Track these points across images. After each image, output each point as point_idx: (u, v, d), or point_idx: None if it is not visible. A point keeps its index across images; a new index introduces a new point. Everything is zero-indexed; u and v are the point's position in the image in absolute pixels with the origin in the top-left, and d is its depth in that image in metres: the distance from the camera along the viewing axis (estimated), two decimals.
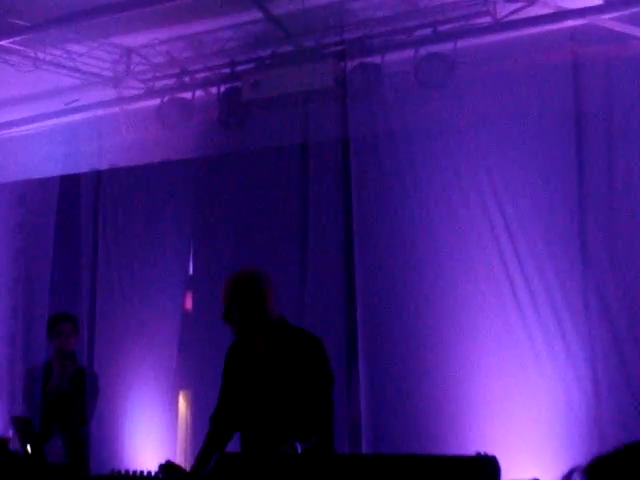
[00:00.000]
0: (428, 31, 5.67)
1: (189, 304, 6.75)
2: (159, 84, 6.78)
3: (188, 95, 6.74)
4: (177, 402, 6.62)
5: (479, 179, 5.36)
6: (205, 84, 6.65)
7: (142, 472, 3.41)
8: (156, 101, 6.73)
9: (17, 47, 6.29)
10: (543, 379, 5.07)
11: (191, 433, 6.55)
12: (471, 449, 3.01)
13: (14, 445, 4.29)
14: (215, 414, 3.79)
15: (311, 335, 3.67)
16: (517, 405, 5.06)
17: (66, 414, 5.46)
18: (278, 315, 3.70)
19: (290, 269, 5.83)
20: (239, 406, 3.73)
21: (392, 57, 5.78)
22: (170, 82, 6.76)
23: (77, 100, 6.79)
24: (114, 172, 6.83)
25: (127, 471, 3.44)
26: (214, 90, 6.65)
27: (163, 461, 3.53)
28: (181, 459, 6.36)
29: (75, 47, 6.37)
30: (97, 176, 6.87)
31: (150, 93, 6.80)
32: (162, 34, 6.27)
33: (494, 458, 2.75)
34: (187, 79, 6.73)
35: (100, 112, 6.87)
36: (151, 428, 6.39)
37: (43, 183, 7.13)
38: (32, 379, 5.67)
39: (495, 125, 5.40)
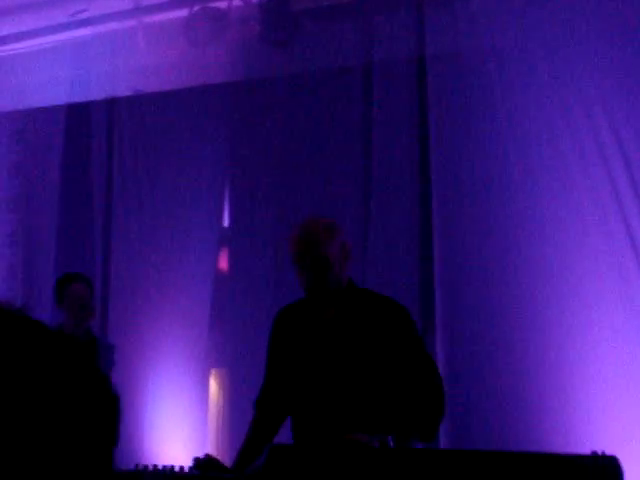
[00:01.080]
0: None
1: (224, 263, 6.75)
2: None
3: (223, 4, 6.63)
4: (208, 383, 6.64)
5: (590, 105, 5.04)
6: None
7: (173, 468, 3.41)
8: (183, 12, 6.53)
9: None
10: None
11: (225, 421, 6.55)
12: (583, 449, 2.97)
13: None
14: (261, 397, 3.67)
15: (399, 304, 3.57)
16: (631, 398, 4.91)
17: None
18: (346, 276, 3.70)
19: (350, 224, 5.76)
20: (294, 387, 3.58)
21: None
22: None
23: (85, 10, 6.76)
24: (132, 99, 6.67)
25: (156, 467, 3.44)
26: None
27: (199, 454, 3.53)
28: (213, 451, 6.41)
29: None
30: (111, 104, 6.74)
31: (176, 2, 6.64)
32: None
33: (615, 459, 2.76)
34: None
35: (114, 25, 6.79)
36: (177, 414, 6.35)
37: (46, 113, 7.01)
38: None
39: (611, 42, 5.17)
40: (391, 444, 3.25)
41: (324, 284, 3.53)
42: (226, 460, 3.84)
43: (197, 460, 3.44)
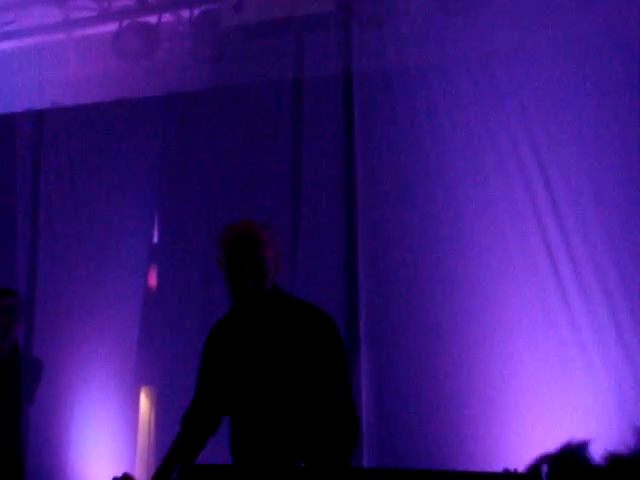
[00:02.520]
0: None
1: (153, 280, 6.70)
2: (116, 5, 6.66)
3: (153, 19, 6.64)
4: (138, 401, 6.59)
5: (512, 128, 5.25)
6: (174, 6, 6.57)
7: None
8: (112, 26, 6.63)
9: None
10: (590, 377, 4.99)
11: (155, 439, 6.52)
12: (498, 465, 2.98)
13: None
14: (188, 413, 3.68)
15: (322, 312, 3.57)
16: (558, 410, 4.96)
17: None
18: (273, 284, 3.66)
19: (279, 238, 5.77)
20: (220, 403, 3.66)
21: None
22: (130, 2, 6.64)
23: (12, 22, 6.70)
24: (58, 112, 6.70)
25: None
26: (185, 14, 6.55)
27: (119, 474, 3.49)
28: (141, 472, 6.34)
29: None
30: (37, 117, 6.74)
31: (105, 16, 6.69)
32: None
33: (526, 476, 2.76)
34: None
35: (42, 38, 6.78)
36: (105, 434, 6.35)
37: None
38: None
39: (534, 60, 5.30)
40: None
41: (259, 289, 3.49)
42: None
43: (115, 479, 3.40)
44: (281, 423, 3.47)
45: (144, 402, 6.68)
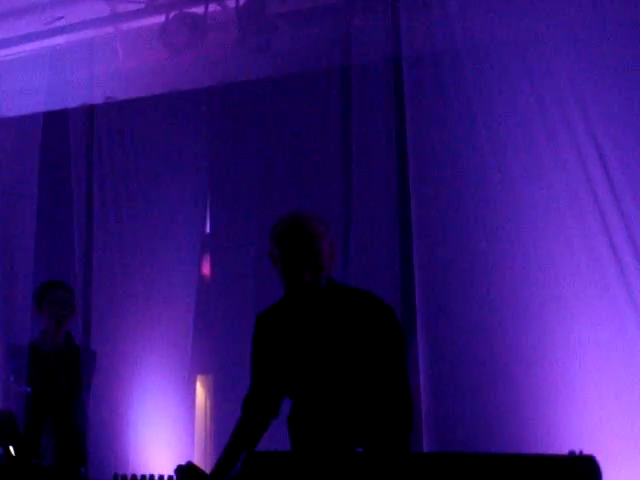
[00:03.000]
0: None
1: (207, 269, 6.75)
2: None
3: (199, 10, 6.64)
4: (194, 389, 6.65)
5: (570, 112, 5.18)
6: None
7: (153, 477, 3.41)
8: (160, 18, 6.65)
9: None
10: None
11: (212, 428, 6.58)
12: (562, 449, 2.98)
13: None
14: (249, 397, 3.70)
15: (381, 300, 3.58)
16: (619, 396, 4.94)
17: (57, 390, 5.56)
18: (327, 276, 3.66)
19: (331, 227, 5.77)
20: (279, 388, 3.67)
21: None
22: None
23: (62, 18, 6.75)
24: (109, 106, 6.75)
25: (135, 476, 3.45)
26: (231, 3, 6.56)
27: (181, 463, 3.52)
28: (199, 460, 6.40)
29: None
30: (89, 111, 6.79)
31: (152, 8, 6.68)
32: None
33: (592, 458, 2.76)
34: None
35: (91, 33, 6.81)
36: (162, 422, 6.40)
37: (22, 121, 7.04)
38: (17, 354, 5.76)
39: (587, 39, 5.22)
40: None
41: (316, 284, 3.49)
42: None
43: (179, 468, 3.43)
44: (340, 408, 3.49)
45: (200, 391, 6.74)
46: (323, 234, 3.53)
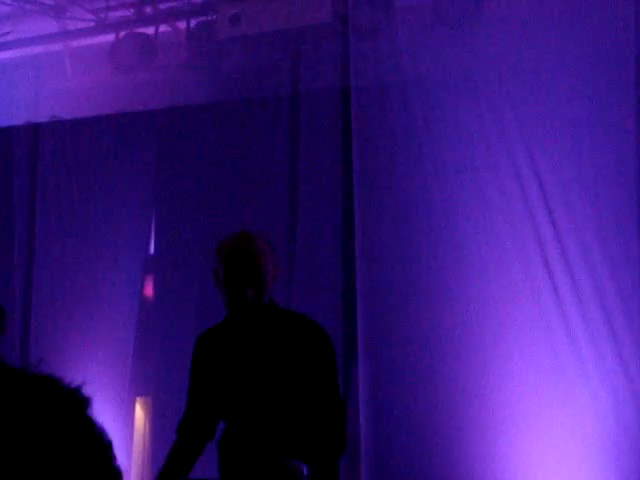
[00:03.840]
0: None
1: (149, 291, 6.72)
2: (113, 16, 6.63)
3: (150, 30, 6.65)
4: (133, 412, 6.60)
5: (511, 142, 5.26)
6: (171, 17, 6.57)
7: None
8: (109, 37, 6.63)
9: None
10: (589, 392, 4.99)
11: (150, 450, 6.53)
12: None
13: None
14: (183, 422, 3.67)
15: (317, 325, 3.59)
16: (556, 425, 4.98)
17: None
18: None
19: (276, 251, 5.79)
20: (214, 411, 3.65)
21: None
22: (127, 13, 6.63)
23: (8, 33, 6.71)
24: (56, 125, 6.69)
25: None
26: (182, 25, 6.57)
27: None
28: None
29: None
30: (34, 130, 6.73)
31: (102, 27, 6.66)
32: None
33: None
34: (149, 10, 6.61)
35: (38, 49, 6.78)
36: None
37: None
38: None
39: (532, 74, 5.28)
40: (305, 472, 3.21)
41: (258, 302, 3.50)
42: None
43: None
44: (271, 429, 3.49)
45: (139, 413, 6.68)
46: (267, 253, 3.55)
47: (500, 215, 5.29)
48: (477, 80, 5.40)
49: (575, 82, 5.20)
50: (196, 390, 3.71)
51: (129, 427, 6.48)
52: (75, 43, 6.79)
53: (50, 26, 6.73)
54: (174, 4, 6.53)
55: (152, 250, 6.70)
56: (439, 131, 5.45)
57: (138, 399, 6.65)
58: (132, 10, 6.64)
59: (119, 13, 6.66)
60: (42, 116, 6.73)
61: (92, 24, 6.72)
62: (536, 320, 5.16)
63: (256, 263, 3.49)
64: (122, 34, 6.56)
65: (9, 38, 6.69)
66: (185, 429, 3.68)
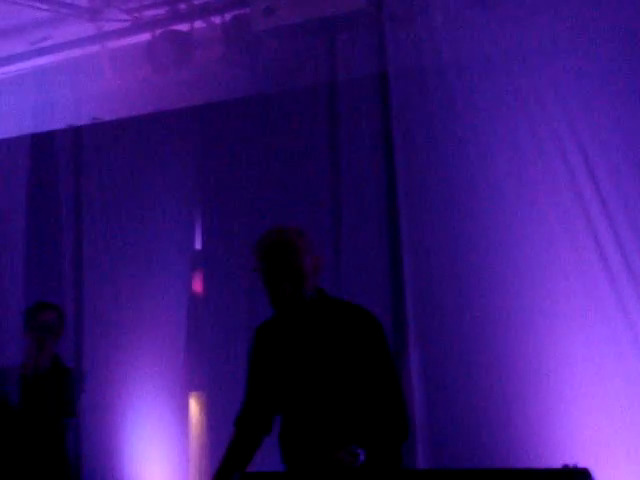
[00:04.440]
0: None
1: (198, 286, 6.76)
2: (148, 14, 6.67)
3: (185, 27, 6.68)
4: (188, 407, 6.64)
5: (557, 124, 5.17)
6: (205, 13, 6.58)
7: None
8: (146, 36, 6.66)
9: None
10: None
11: (207, 445, 6.57)
12: (556, 462, 3.00)
13: None
14: (241, 414, 3.68)
15: (369, 312, 3.58)
16: (612, 407, 4.93)
17: (43, 414, 5.56)
18: (316, 288, 3.68)
19: (321, 241, 5.79)
20: (272, 403, 3.66)
21: None
22: (162, 12, 6.65)
23: (46, 39, 6.77)
24: (97, 127, 6.74)
25: None
26: (217, 20, 6.59)
27: None
28: (194, 476, 6.41)
29: None
30: (76, 132, 6.77)
31: (137, 26, 6.69)
32: None
33: (587, 471, 2.78)
34: (183, 7, 6.60)
35: (76, 52, 6.81)
36: (156, 441, 6.37)
37: (9, 143, 7.02)
38: (9, 377, 5.74)
39: (576, 54, 5.23)
40: (361, 457, 3.21)
41: (298, 296, 3.52)
42: None
43: None
44: (331, 420, 3.50)
45: (194, 408, 6.73)
46: (303, 247, 3.55)
47: (548, 199, 5.20)
48: (517, 61, 5.35)
49: (616, 53, 5.13)
50: (254, 382, 3.72)
51: (185, 422, 6.53)
52: (112, 44, 6.83)
53: (87, 29, 6.77)
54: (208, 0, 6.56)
55: (199, 245, 6.75)
56: (480, 115, 5.40)
57: (192, 394, 6.70)
58: (166, 8, 6.66)
59: (153, 12, 6.68)
60: (83, 119, 6.78)
61: (127, 24, 6.74)
62: (590, 302, 5.08)
63: (291, 258, 3.49)
64: (158, 32, 6.59)
65: (47, 43, 6.75)
66: (243, 422, 3.70)
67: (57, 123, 6.83)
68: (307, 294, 3.54)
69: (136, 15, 6.71)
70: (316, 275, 3.58)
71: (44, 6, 6.58)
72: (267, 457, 3.73)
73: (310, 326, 3.58)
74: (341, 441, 3.33)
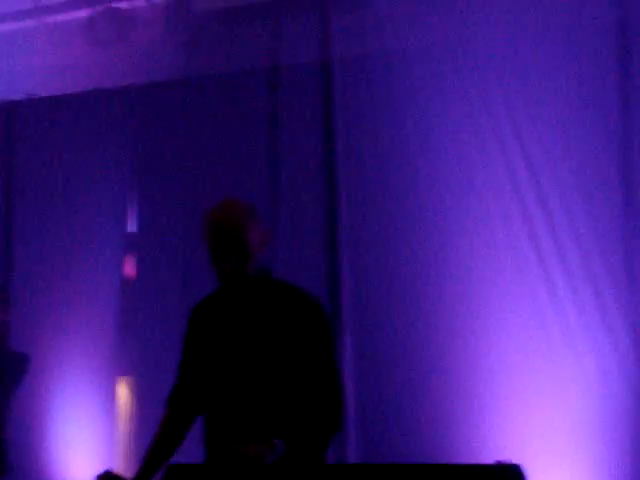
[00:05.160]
0: None
1: (130, 269, 6.69)
2: None
3: (125, 4, 6.60)
4: (116, 391, 6.59)
5: (497, 112, 5.19)
6: None
7: None
8: (85, 12, 6.57)
9: None
10: (577, 366, 4.95)
11: (135, 429, 6.52)
12: (487, 457, 2.99)
13: None
14: (172, 394, 3.54)
15: (313, 297, 3.47)
16: (544, 399, 4.95)
17: None
18: (261, 266, 3.63)
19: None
20: (205, 383, 3.63)
21: None
22: None
23: None
24: (31, 103, 6.60)
25: None
26: None
27: (100, 470, 3.47)
28: (122, 463, 6.33)
29: None
30: (9, 108, 6.65)
31: (77, 2, 6.64)
32: None
33: (518, 467, 2.77)
34: None
35: (12, 26, 6.71)
36: (83, 427, 6.33)
37: None
38: None
39: (517, 43, 5.24)
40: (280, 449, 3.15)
41: (244, 271, 3.47)
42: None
43: (98, 477, 3.37)
44: (257, 410, 3.45)
45: (122, 392, 6.67)
46: (249, 221, 3.50)
47: (487, 190, 5.23)
48: (461, 50, 5.37)
49: (559, 52, 5.18)
50: (187, 362, 3.64)
51: (113, 406, 6.47)
52: (50, 18, 6.71)
53: (24, 2, 6.65)
54: None
55: (134, 228, 6.67)
56: (422, 104, 5.42)
57: (121, 378, 6.63)
58: None
59: None
60: (17, 93, 6.66)
61: None
62: (524, 296, 5.10)
63: (237, 232, 3.44)
64: (98, 8, 6.49)
65: None
66: (174, 401, 3.61)
67: None
68: (251, 269, 3.49)
69: None
70: (261, 251, 3.52)
71: None
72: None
73: (250, 306, 3.52)
74: (261, 431, 3.28)
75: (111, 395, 6.44)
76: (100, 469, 3.44)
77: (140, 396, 6.38)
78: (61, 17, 6.67)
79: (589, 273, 5.04)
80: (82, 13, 6.58)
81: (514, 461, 2.84)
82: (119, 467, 6.06)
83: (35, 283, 6.53)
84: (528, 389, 5.02)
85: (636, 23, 5.15)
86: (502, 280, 5.18)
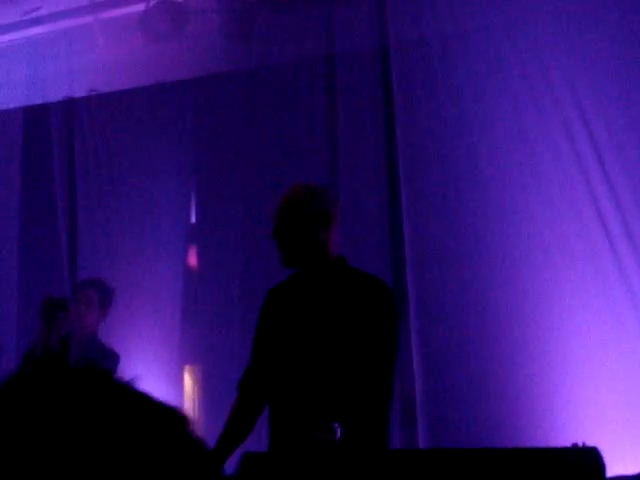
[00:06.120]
0: None
1: (193, 260, 6.75)
2: None
3: None
4: (182, 380, 6.65)
5: (559, 93, 5.12)
6: None
7: None
8: (139, 6, 6.56)
9: None
10: None
11: (200, 418, 6.57)
12: (562, 441, 3.00)
13: None
14: (245, 377, 3.62)
15: (386, 287, 3.53)
16: (619, 387, 4.90)
17: None
18: (338, 254, 3.65)
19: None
20: (274, 368, 3.56)
21: None
22: None
23: (39, 8, 6.70)
24: (91, 99, 6.61)
25: None
26: None
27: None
28: None
29: None
30: (70, 105, 6.68)
31: None
32: None
33: (596, 450, 2.78)
34: None
35: (69, 23, 6.73)
36: None
37: (2, 116, 6.91)
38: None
39: (575, 19, 5.16)
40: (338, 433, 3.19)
41: (292, 253, 3.49)
42: None
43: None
44: (314, 398, 3.41)
45: (188, 382, 6.72)
46: (303, 200, 3.54)
47: (553, 172, 5.12)
48: (519, 30, 5.29)
49: (621, 21, 5.09)
50: (259, 346, 3.68)
51: (179, 395, 6.53)
52: (105, 14, 6.75)
53: None
54: None
55: (194, 219, 6.73)
56: (482, 83, 5.29)
57: (187, 367, 6.69)
58: None
59: None
60: (77, 91, 6.71)
61: None
62: (595, 281, 5.00)
63: (287, 212, 3.51)
64: (152, 2, 6.52)
65: (39, 13, 6.67)
66: (247, 384, 3.65)
67: (51, 95, 6.69)
68: (304, 256, 3.52)
69: None
70: (321, 230, 3.54)
71: None
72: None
73: (322, 293, 3.54)
74: (317, 418, 3.32)
75: (177, 384, 6.50)
76: None
77: (206, 385, 6.43)
78: (116, 12, 6.71)
79: None
80: (136, 7, 6.61)
81: (589, 444, 2.85)
82: None
83: (100, 273, 6.60)
84: (602, 376, 4.96)
85: None
86: (572, 268, 5.10)
